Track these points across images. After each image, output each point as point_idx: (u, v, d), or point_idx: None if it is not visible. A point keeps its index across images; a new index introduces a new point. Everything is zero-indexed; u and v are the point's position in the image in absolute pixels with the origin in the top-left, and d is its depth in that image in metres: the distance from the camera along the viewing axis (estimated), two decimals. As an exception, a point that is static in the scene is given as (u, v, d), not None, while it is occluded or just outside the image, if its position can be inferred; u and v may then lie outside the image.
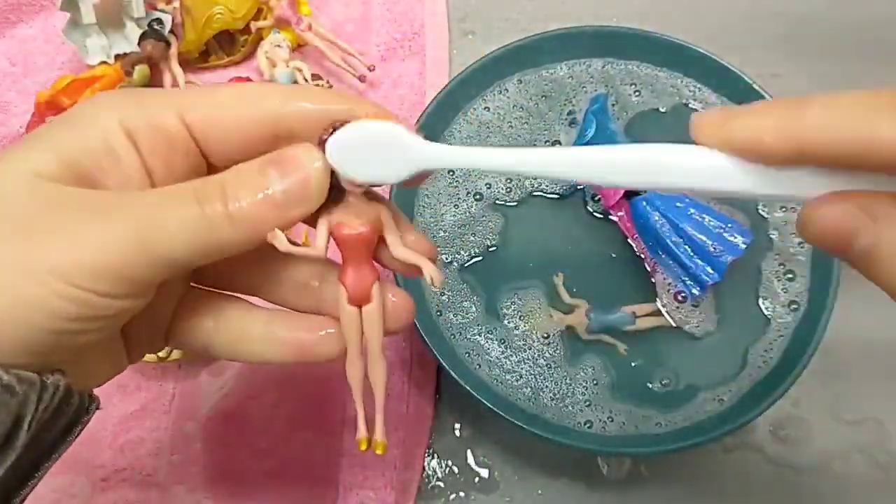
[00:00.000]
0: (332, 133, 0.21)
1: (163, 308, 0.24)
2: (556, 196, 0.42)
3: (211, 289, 0.26)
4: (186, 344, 0.25)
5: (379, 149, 0.21)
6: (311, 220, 0.22)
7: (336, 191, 0.22)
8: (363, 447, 0.24)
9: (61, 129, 0.21)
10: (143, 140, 0.21)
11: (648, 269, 0.40)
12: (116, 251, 0.19)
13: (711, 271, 0.38)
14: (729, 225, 0.39)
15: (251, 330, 0.24)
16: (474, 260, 0.41)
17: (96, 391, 0.23)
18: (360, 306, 0.23)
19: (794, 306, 0.39)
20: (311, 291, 0.24)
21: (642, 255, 0.40)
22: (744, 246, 0.38)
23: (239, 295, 0.25)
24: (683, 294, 0.39)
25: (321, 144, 0.21)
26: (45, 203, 0.19)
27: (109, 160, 0.21)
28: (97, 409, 0.22)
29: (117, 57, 0.46)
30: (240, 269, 0.25)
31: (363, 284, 0.23)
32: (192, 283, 0.26)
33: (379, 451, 0.24)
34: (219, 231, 0.20)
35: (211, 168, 0.23)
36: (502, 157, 0.22)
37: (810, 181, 0.18)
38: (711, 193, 0.20)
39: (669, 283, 0.39)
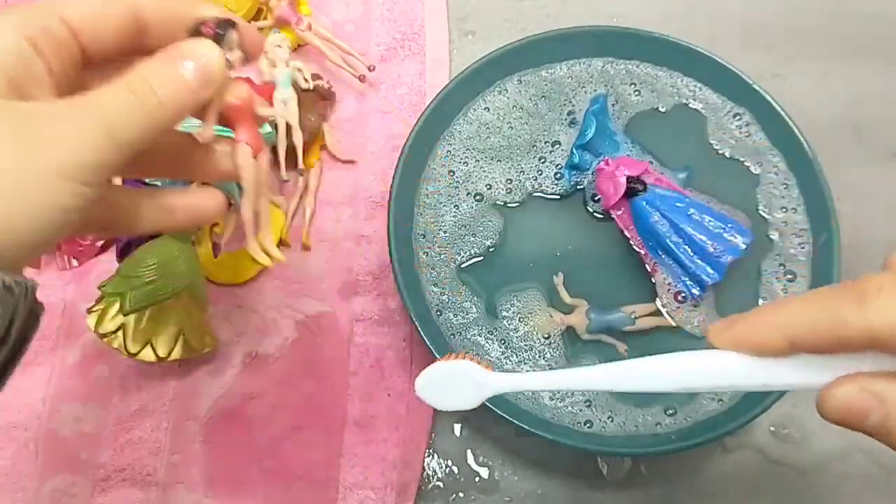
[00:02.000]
0: (214, 29, 0.25)
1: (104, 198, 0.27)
2: (556, 196, 0.42)
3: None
4: (111, 223, 0.28)
5: (458, 384, 0.27)
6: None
7: None
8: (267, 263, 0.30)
9: None
10: (45, 47, 0.24)
11: (648, 269, 0.40)
12: (98, 147, 0.22)
13: (711, 271, 0.38)
14: (729, 225, 0.39)
15: (157, 204, 0.28)
16: (474, 260, 0.41)
17: None
18: (255, 156, 0.28)
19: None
20: (197, 164, 0.28)
21: (642, 256, 0.40)
22: (744, 246, 0.38)
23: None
24: (683, 294, 0.39)
25: (210, 37, 0.25)
26: (13, 114, 0.22)
27: (30, 69, 0.23)
28: (42, 311, 0.25)
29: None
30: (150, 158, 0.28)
31: (256, 138, 0.28)
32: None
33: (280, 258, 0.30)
34: (155, 115, 0.24)
35: (85, 65, 0.26)
36: (555, 380, 0.26)
37: (816, 365, 0.21)
38: (739, 388, 0.23)
39: (669, 283, 0.39)
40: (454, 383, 0.26)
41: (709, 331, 0.23)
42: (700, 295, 0.39)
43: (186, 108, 0.24)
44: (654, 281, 0.40)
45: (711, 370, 0.23)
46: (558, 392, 0.38)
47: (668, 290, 0.40)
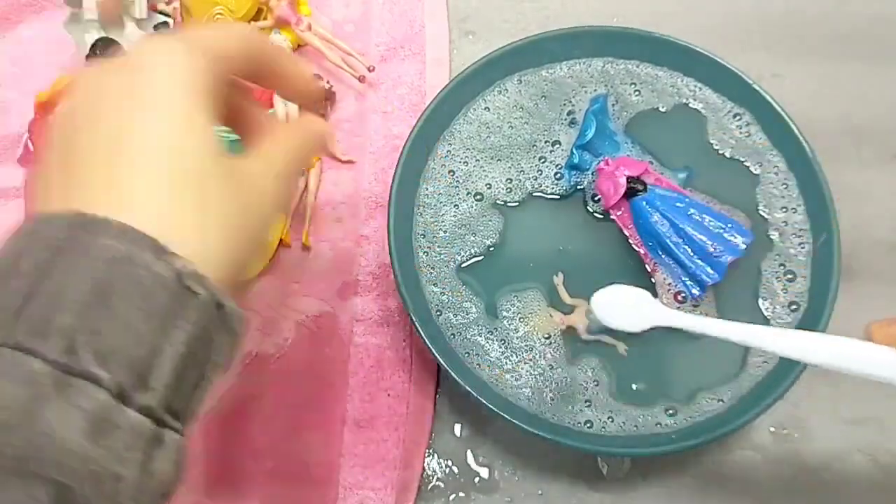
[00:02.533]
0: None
1: None
2: (556, 196, 0.42)
3: None
4: None
5: (629, 307, 0.31)
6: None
7: None
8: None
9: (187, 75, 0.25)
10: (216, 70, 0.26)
11: (649, 269, 0.40)
12: (280, 193, 0.27)
13: (711, 271, 0.38)
14: (729, 225, 0.39)
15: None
16: (474, 260, 0.41)
17: None
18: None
19: (794, 307, 0.39)
20: None
21: (642, 256, 0.40)
22: (744, 246, 0.38)
23: None
24: (683, 294, 0.39)
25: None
26: (237, 176, 0.25)
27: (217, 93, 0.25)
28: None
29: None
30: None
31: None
32: None
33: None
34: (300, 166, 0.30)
35: None
36: (730, 330, 0.29)
37: None
38: (887, 380, 0.27)
39: (669, 284, 0.39)
40: (626, 306, 0.30)
41: (872, 328, 0.27)
42: (700, 295, 0.39)
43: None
44: (654, 281, 0.40)
45: (874, 359, 0.27)
46: (558, 391, 0.38)
47: (668, 290, 0.40)
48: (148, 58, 0.24)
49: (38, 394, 0.19)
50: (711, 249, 0.38)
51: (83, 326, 0.20)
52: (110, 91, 0.24)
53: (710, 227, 0.39)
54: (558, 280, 0.40)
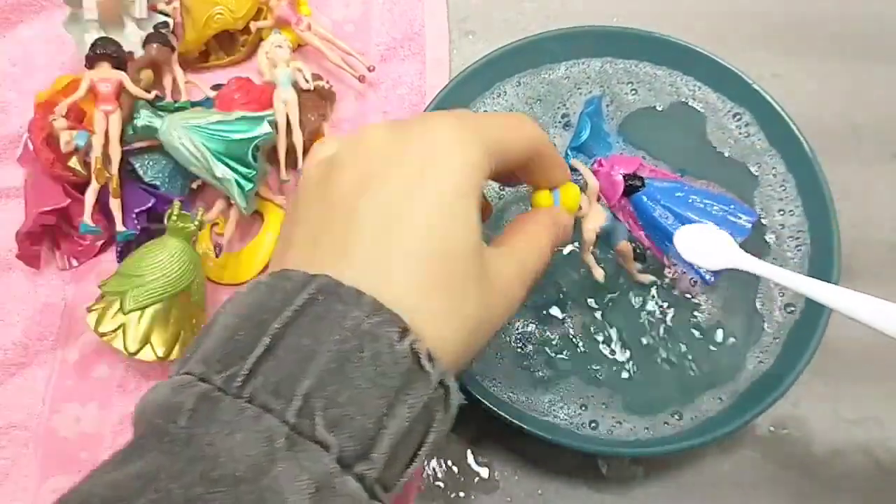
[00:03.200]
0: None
1: None
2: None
3: None
4: None
5: (708, 246, 0.32)
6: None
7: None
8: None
9: (468, 170, 0.26)
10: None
11: (665, 263, 0.40)
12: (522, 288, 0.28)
13: None
14: (732, 206, 0.39)
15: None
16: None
17: None
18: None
19: (791, 309, 0.39)
20: None
21: (653, 251, 0.40)
22: (749, 225, 0.38)
23: None
24: (696, 281, 0.40)
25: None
26: (490, 270, 0.26)
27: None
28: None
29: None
30: None
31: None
32: None
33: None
34: (544, 258, 0.30)
35: None
36: (798, 281, 0.30)
37: None
38: None
39: (683, 273, 0.40)
40: (705, 244, 0.31)
41: None
42: (714, 280, 0.39)
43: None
44: (668, 273, 0.40)
45: None
46: (559, 391, 0.38)
47: (683, 278, 0.40)
48: (444, 146, 0.25)
49: (272, 451, 0.20)
50: None
51: (320, 392, 0.21)
52: (400, 164, 0.25)
53: (714, 212, 0.39)
54: (578, 162, 0.38)
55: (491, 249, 0.27)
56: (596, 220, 0.35)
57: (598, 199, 0.36)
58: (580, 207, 0.33)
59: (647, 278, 0.39)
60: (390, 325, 0.22)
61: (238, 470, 0.19)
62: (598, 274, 0.36)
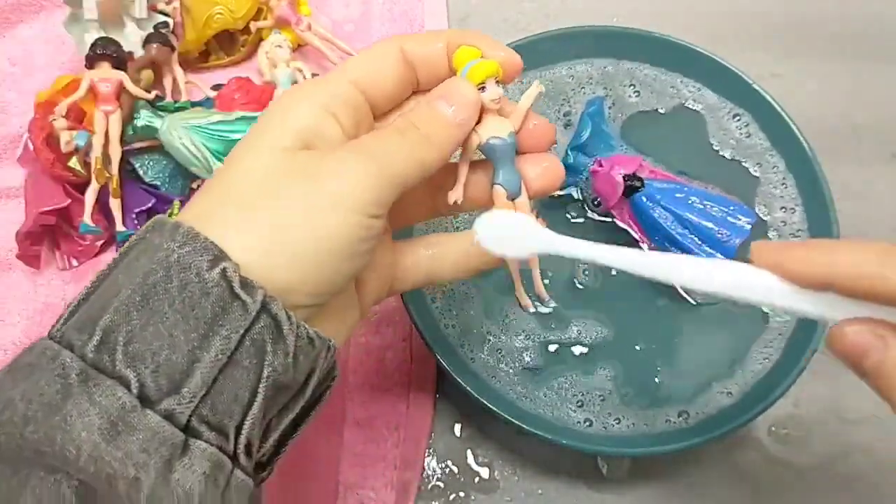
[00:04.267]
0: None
1: (382, 258, 0.29)
2: (552, 198, 0.42)
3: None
4: (410, 281, 0.30)
5: (512, 234, 0.27)
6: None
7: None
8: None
9: (276, 117, 0.25)
10: (339, 111, 0.26)
11: None
12: (374, 181, 0.24)
13: (723, 257, 0.38)
14: (732, 207, 0.39)
15: (467, 250, 0.30)
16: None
17: None
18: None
19: (794, 306, 0.39)
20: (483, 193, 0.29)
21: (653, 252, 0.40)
22: (748, 227, 0.38)
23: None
24: None
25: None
26: (301, 162, 0.24)
27: (320, 133, 0.25)
28: (337, 375, 0.27)
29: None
30: (410, 200, 0.29)
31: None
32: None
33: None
34: (422, 150, 0.25)
35: (377, 117, 0.28)
36: (600, 252, 0.26)
37: (838, 305, 0.22)
38: (757, 303, 0.24)
39: None
40: (509, 233, 0.27)
41: (755, 247, 0.24)
42: None
43: (450, 142, 0.26)
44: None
45: (748, 282, 0.24)
46: (559, 391, 0.38)
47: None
48: (281, 103, 0.26)
49: (66, 388, 0.20)
50: (719, 235, 0.38)
51: (122, 327, 0.21)
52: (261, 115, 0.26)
53: (714, 213, 0.39)
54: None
55: (332, 151, 0.25)
56: (493, 127, 0.27)
57: (526, 119, 0.29)
58: (484, 88, 0.27)
59: (526, 302, 0.31)
60: (202, 253, 0.21)
61: (30, 410, 0.19)
62: (455, 195, 0.28)
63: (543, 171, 0.28)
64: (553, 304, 0.32)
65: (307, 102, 0.25)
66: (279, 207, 0.23)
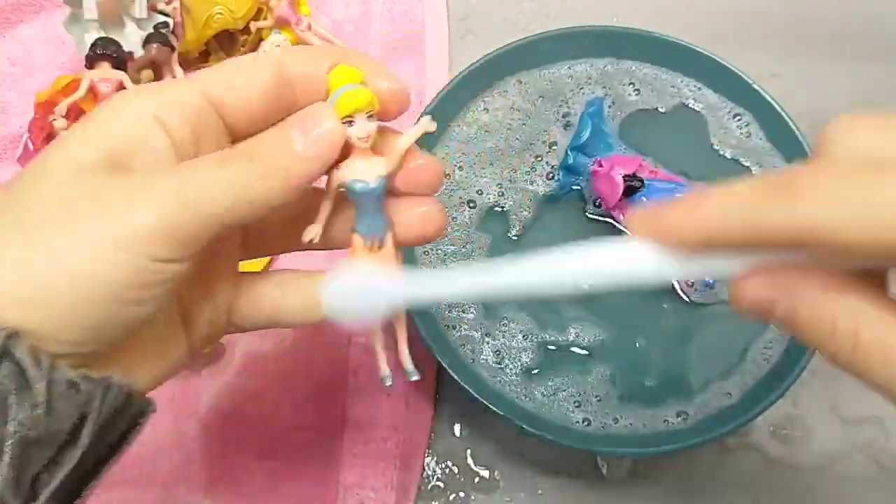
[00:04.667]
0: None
1: (219, 293, 0.26)
2: (552, 197, 0.42)
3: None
4: (251, 320, 0.27)
5: (364, 294, 0.24)
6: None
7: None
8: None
9: (94, 123, 0.22)
10: (172, 121, 0.22)
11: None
12: (165, 217, 0.20)
13: None
14: None
15: (315, 291, 0.25)
16: (472, 264, 0.41)
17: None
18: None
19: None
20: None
21: None
22: None
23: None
24: (691, 281, 0.40)
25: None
26: (91, 187, 0.21)
27: (140, 145, 0.22)
28: (153, 411, 0.24)
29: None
30: (275, 228, 0.27)
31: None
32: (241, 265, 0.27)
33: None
34: (250, 188, 0.22)
35: (235, 135, 0.24)
36: (472, 283, 0.24)
37: (732, 261, 0.20)
38: (653, 283, 0.21)
39: None
40: (360, 294, 0.24)
41: (629, 218, 0.22)
42: (713, 282, 0.39)
43: (296, 177, 0.22)
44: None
45: (636, 265, 0.21)
46: (558, 391, 0.38)
47: (682, 281, 0.40)
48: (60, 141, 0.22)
49: None
50: None
51: None
52: None
53: None
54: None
55: (139, 174, 0.22)
56: (360, 168, 0.24)
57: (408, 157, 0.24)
58: (352, 122, 0.23)
59: (385, 373, 0.27)
60: None
61: None
62: (310, 233, 0.25)
63: (419, 218, 0.25)
64: (416, 377, 0.26)
65: (134, 108, 0.22)
66: (36, 240, 0.20)
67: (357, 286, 0.24)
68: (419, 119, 0.24)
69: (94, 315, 0.20)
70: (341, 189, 0.24)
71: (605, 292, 0.39)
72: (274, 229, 0.27)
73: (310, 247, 0.25)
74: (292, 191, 0.22)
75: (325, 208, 0.25)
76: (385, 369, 0.27)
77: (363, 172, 0.23)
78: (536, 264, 0.23)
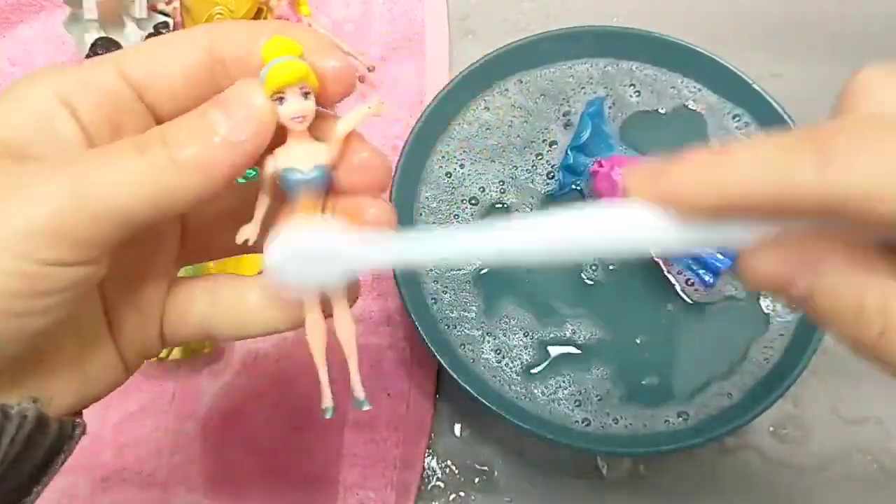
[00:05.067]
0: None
1: (150, 299, 0.23)
2: (551, 197, 0.42)
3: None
4: (183, 334, 0.24)
5: (314, 258, 0.21)
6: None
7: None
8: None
9: None
10: (81, 104, 0.19)
11: (664, 266, 0.40)
12: (52, 210, 0.17)
13: (722, 257, 0.38)
14: None
15: (248, 299, 0.23)
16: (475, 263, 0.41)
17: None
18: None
19: (795, 306, 0.39)
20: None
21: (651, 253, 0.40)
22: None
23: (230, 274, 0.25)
24: (694, 282, 0.40)
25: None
26: None
27: (43, 132, 0.19)
28: (83, 433, 0.21)
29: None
30: (219, 228, 0.23)
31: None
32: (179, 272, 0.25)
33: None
34: (165, 178, 0.18)
35: (158, 120, 0.21)
36: (446, 245, 0.21)
37: (744, 229, 0.18)
38: (655, 246, 0.19)
39: (680, 274, 0.40)
40: (310, 253, 0.20)
41: (627, 176, 0.19)
42: (713, 282, 0.39)
43: (219, 167, 0.19)
44: (667, 275, 0.40)
45: (628, 229, 0.19)
46: (558, 391, 0.38)
47: (681, 279, 0.40)
48: None
49: None
50: None
51: None
52: None
53: None
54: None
55: (37, 163, 0.18)
56: (296, 155, 0.20)
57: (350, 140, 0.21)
58: (283, 99, 0.19)
59: (328, 403, 0.25)
60: None
61: None
62: (244, 233, 0.21)
63: (365, 221, 0.21)
64: (367, 407, 0.24)
65: (38, 90, 0.19)
66: None
67: (307, 243, 0.20)
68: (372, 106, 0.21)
69: None
70: (277, 180, 0.20)
71: (603, 280, 0.39)
72: (213, 227, 0.24)
73: (247, 249, 0.22)
74: (216, 183, 0.19)
75: (262, 203, 0.21)
76: (327, 398, 0.24)
77: (298, 160, 0.20)
78: (519, 228, 0.20)
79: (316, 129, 0.20)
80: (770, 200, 0.16)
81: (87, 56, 0.42)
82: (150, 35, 0.46)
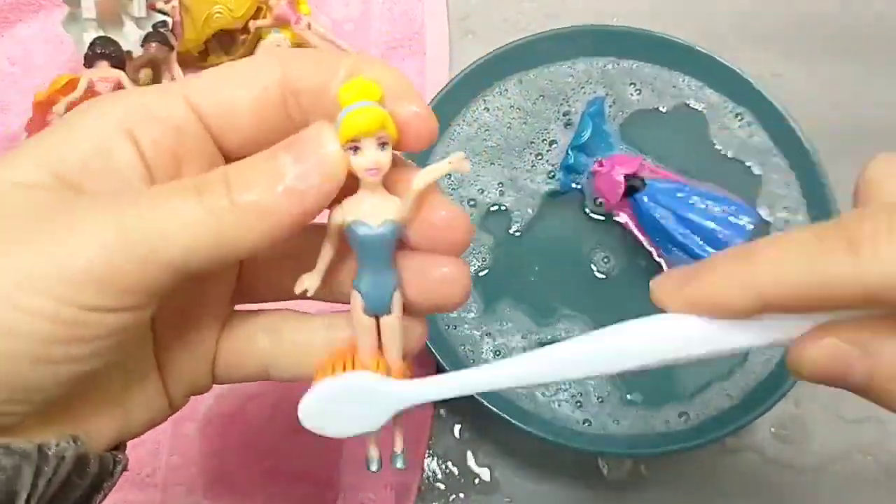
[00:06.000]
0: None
1: (203, 337, 0.22)
2: (551, 197, 0.42)
3: (260, 306, 0.23)
4: (240, 373, 0.23)
5: (355, 402, 0.21)
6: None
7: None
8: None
9: (51, 135, 0.18)
10: (145, 135, 0.18)
11: (665, 267, 0.40)
12: (98, 253, 0.16)
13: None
14: (733, 207, 0.39)
15: (314, 340, 0.22)
16: (474, 263, 0.41)
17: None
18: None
19: (795, 306, 0.39)
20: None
21: (654, 252, 0.40)
22: (750, 227, 0.38)
23: (289, 307, 0.23)
24: None
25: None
26: (22, 211, 0.16)
27: (101, 162, 0.18)
28: (124, 470, 0.20)
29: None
30: (280, 268, 0.22)
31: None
32: (235, 307, 0.23)
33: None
34: (222, 224, 0.17)
35: (227, 155, 0.20)
36: (477, 378, 0.21)
37: (785, 323, 0.18)
38: (694, 357, 0.19)
39: None
40: (350, 402, 0.21)
41: (655, 288, 0.19)
42: None
43: (284, 216, 0.17)
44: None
45: (665, 342, 0.19)
46: (558, 391, 0.38)
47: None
48: None
49: None
50: (721, 236, 0.38)
51: None
52: None
53: (716, 213, 0.38)
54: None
55: (57, 204, 0.17)
56: (366, 208, 0.19)
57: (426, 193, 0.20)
58: (357, 148, 0.18)
59: (372, 453, 0.26)
60: None
61: None
62: (304, 284, 0.20)
63: (435, 281, 0.20)
64: (400, 466, 0.24)
65: (98, 116, 0.18)
66: None
67: (340, 393, 0.20)
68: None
69: (11, 378, 0.16)
70: (343, 232, 0.20)
71: (603, 281, 0.39)
72: (274, 266, 0.22)
73: (305, 297, 0.20)
74: (276, 232, 0.17)
75: (326, 254, 0.20)
76: (373, 451, 0.23)
77: (367, 214, 0.19)
78: (564, 353, 0.20)
79: (390, 177, 0.19)
80: (807, 293, 0.16)
81: (86, 55, 0.42)
82: (148, 34, 0.45)
